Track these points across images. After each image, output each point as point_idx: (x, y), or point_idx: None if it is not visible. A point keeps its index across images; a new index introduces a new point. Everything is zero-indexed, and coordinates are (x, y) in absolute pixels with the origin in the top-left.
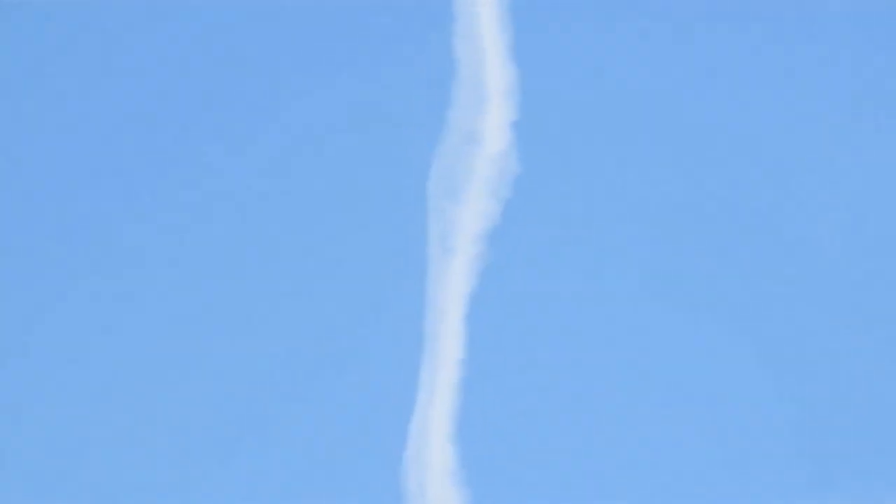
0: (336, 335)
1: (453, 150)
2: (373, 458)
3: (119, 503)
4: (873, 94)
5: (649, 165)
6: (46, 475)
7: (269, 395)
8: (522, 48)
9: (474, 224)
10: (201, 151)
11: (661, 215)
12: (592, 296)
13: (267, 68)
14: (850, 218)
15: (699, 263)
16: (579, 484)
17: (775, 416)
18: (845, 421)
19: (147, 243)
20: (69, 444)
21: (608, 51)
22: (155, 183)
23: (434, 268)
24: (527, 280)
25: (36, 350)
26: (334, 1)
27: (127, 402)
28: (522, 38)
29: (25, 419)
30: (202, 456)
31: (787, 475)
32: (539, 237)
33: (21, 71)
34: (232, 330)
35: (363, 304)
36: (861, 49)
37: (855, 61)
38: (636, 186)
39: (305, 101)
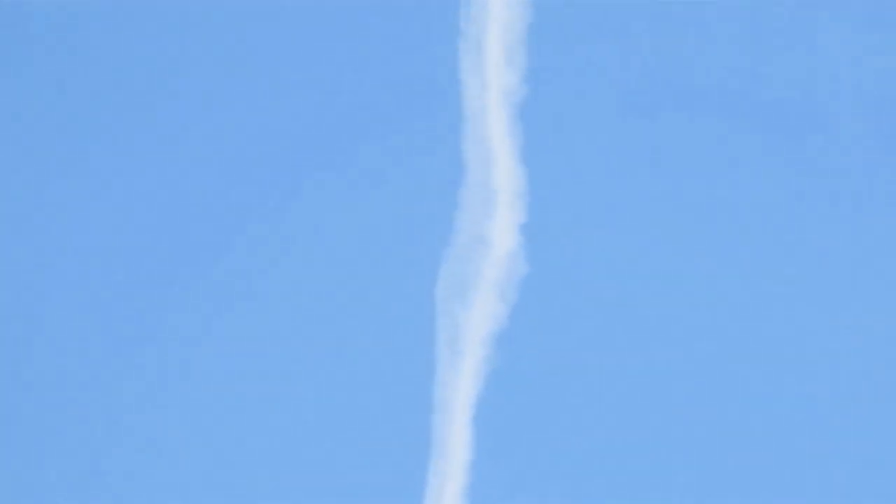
0: (344, 439)
1: (462, 252)
2: None
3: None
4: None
5: (657, 266)
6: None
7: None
8: (532, 151)
9: (483, 326)
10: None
11: (670, 317)
12: (602, 399)
13: (267, 177)
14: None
15: (712, 356)
16: None
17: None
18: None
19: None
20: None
21: (617, 154)
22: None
23: (442, 370)
24: (535, 383)
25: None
26: (344, 110)
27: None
28: (532, 140)
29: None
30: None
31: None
32: (548, 340)
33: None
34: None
35: (371, 407)
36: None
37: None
38: (646, 288)
39: (312, 208)
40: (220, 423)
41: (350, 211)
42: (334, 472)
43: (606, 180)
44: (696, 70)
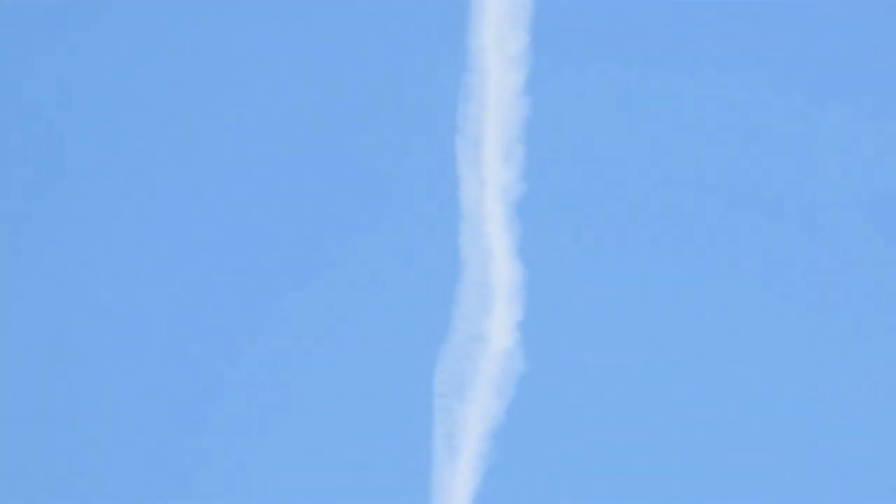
0: None
1: (459, 348)
2: None
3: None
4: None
5: (656, 361)
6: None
7: None
8: (529, 248)
9: (480, 423)
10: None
11: (669, 411)
12: (601, 494)
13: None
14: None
15: (714, 432)
16: None
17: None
18: None
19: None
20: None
21: (613, 251)
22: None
23: (440, 466)
24: (533, 479)
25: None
26: (343, 205)
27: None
28: (529, 237)
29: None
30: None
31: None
32: (545, 436)
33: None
34: None
35: None
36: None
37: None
38: (644, 384)
39: (310, 306)
40: None
41: (348, 307)
42: None
43: (604, 277)
44: (689, 165)
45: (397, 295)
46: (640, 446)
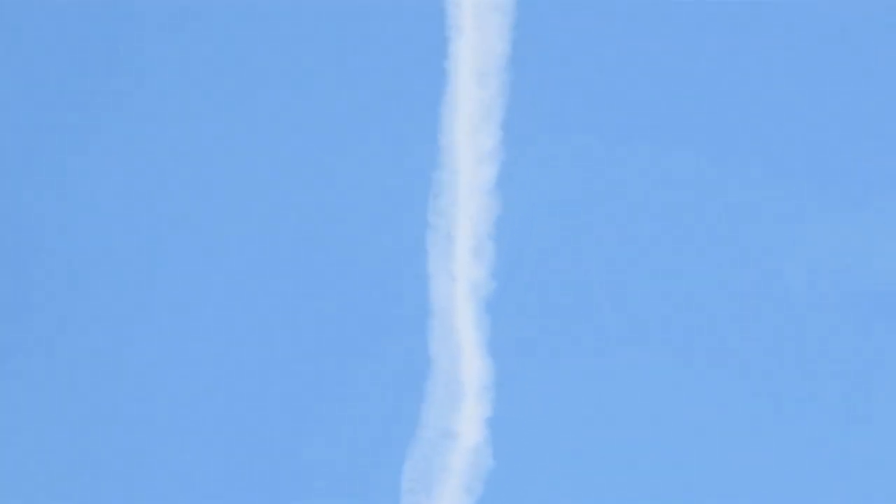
0: None
1: (428, 445)
2: None
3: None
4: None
5: (624, 460)
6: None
7: None
8: (498, 345)
9: None
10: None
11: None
12: None
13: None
14: None
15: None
16: None
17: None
18: None
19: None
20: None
21: (581, 351)
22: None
23: None
24: None
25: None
26: (315, 308)
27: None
28: (498, 334)
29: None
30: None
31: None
32: None
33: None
34: None
35: None
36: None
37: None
38: (614, 478)
39: (285, 406)
40: None
41: (318, 402)
42: None
43: (573, 373)
44: (661, 259)
45: (366, 390)
46: None
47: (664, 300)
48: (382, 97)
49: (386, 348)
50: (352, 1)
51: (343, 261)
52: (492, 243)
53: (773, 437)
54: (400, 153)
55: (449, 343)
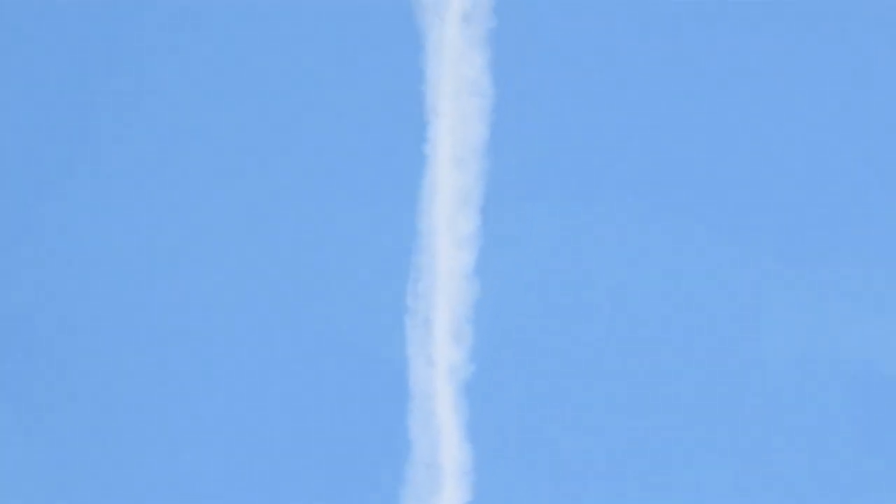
0: None
1: None
2: None
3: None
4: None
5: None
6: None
7: None
8: (477, 429)
9: None
10: None
11: None
12: None
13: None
14: None
15: None
16: None
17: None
18: None
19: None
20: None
21: (562, 433)
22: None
23: None
24: None
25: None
26: (293, 396)
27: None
28: (477, 418)
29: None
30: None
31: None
32: None
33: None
34: None
35: None
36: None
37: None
38: None
39: (254, 488)
40: None
41: (297, 487)
42: None
43: (553, 459)
44: (642, 341)
45: (346, 476)
46: None
47: (649, 376)
48: (360, 181)
49: (365, 432)
50: (329, 83)
51: (322, 344)
52: (470, 327)
53: None
54: (378, 237)
55: (428, 427)
